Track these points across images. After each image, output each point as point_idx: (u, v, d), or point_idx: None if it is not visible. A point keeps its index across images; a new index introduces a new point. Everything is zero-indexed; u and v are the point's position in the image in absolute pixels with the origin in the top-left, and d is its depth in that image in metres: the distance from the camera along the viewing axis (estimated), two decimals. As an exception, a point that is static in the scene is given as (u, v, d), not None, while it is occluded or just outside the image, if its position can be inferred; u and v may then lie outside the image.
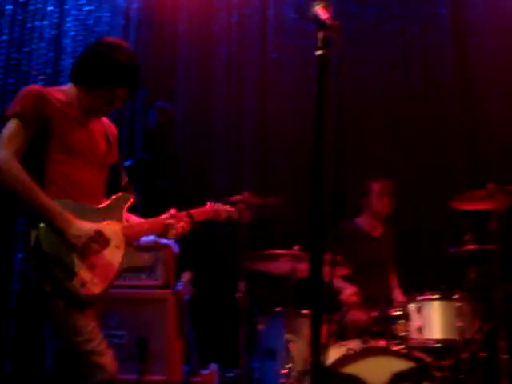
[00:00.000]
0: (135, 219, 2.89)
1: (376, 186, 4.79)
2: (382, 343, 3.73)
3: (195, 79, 5.78)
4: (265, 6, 5.85)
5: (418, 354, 3.72)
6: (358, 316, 4.02)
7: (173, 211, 2.95)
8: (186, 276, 3.97)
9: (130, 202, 2.80)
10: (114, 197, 2.78)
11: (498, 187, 3.98)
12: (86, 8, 5.68)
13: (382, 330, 3.86)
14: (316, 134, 1.72)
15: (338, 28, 1.79)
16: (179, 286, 3.96)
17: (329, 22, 1.81)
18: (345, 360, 3.59)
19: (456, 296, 3.83)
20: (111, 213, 2.71)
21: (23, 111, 2.53)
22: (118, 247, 2.66)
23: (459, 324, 3.77)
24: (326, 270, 1.71)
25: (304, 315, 3.90)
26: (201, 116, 5.78)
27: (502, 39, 5.57)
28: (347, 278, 4.37)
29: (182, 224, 2.93)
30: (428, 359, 3.72)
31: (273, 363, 3.91)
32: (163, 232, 2.92)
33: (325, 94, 1.73)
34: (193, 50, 5.79)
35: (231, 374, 4.44)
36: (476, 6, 5.69)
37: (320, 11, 1.86)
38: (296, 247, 3.95)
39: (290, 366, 3.77)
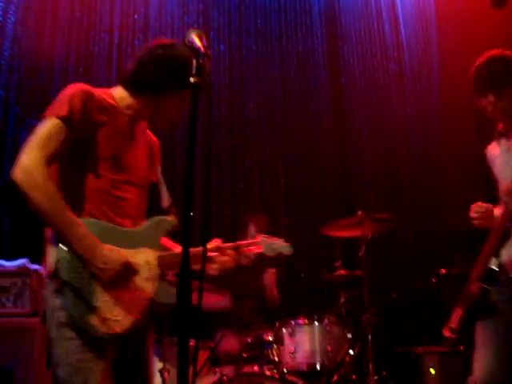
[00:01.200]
0: (175, 246, 2.47)
1: (247, 218, 4.83)
2: (255, 368, 3.77)
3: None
4: (146, 29, 5.84)
5: (290, 377, 3.79)
6: (232, 342, 4.04)
7: (218, 241, 2.48)
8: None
9: (171, 228, 2.39)
10: (153, 220, 2.39)
11: (366, 215, 4.19)
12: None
13: (255, 356, 3.91)
14: (188, 162, 1.74)
15: (210, 56, 1.83)
16: (48, 315, 3.79)
17: (203, 50, 1.84)
18: (218, 386, 3.59)
19: (327, 320, 3.95)
20: (147, 238, 2.32)
21: (69, 112, 2.17)
22: (149, 280, 2.27)
23: (330, 347, 3.88)
24: (195, 296, 1.71)
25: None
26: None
27: (370, 76, 5.97)
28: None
29: (224, 258, 2.44)
30: (300, 383, 3.80)
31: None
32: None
33: (197, 121, 1.76)
34: (70, 68, 5.62)
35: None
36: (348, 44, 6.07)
37: (195, 39, 1.89)
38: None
39: (163, 394, 3.71)
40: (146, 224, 2.38)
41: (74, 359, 2.15)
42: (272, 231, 4.90)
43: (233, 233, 4.93)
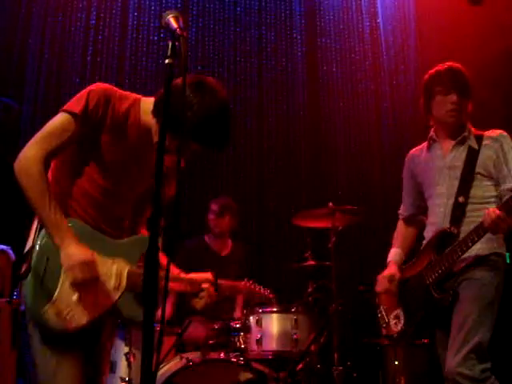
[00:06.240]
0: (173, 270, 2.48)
1: (213, 205, 4.85)
2: (221, 355, 3.78)
3: (46, 82, 5.48)
4: (125, 11, 5.77)
5: (256, 365, 3.82)
6: (199, 329, 4.05)
7: (210, 276, 2.50)
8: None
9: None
10: (138, 237, 2.42)
11: (337, 206, 4.22)
12: None
13: (222, 342, 3.92)
14: (159, 144, 1.74)
15: (186, 38, 1.81)
16: (15, 295, 3.74)
17: (178, 31, 1.83)
18: (184, 371, 3.60)
19: (294, 309, 3.98)
20: (127, 252, 2.33)
21: (82, 110, 2.18)
22: (115, 289, 2.29)
23: (296, 336, 3.91)
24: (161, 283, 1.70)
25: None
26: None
27: (347, 70, 6.04)
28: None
29: (205, 298, 2.47)
30: (266, 370, 3.83)
31: (112, 375, 3.82)
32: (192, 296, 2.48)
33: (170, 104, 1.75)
34: (45, 48, 5.52)
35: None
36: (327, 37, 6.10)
37: (171, 21, 1.88)
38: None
39: (128, 378, 3.71)
40: (131, 238, 2.40)
41: (37, 348, 2.20)
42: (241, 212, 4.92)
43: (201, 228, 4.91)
